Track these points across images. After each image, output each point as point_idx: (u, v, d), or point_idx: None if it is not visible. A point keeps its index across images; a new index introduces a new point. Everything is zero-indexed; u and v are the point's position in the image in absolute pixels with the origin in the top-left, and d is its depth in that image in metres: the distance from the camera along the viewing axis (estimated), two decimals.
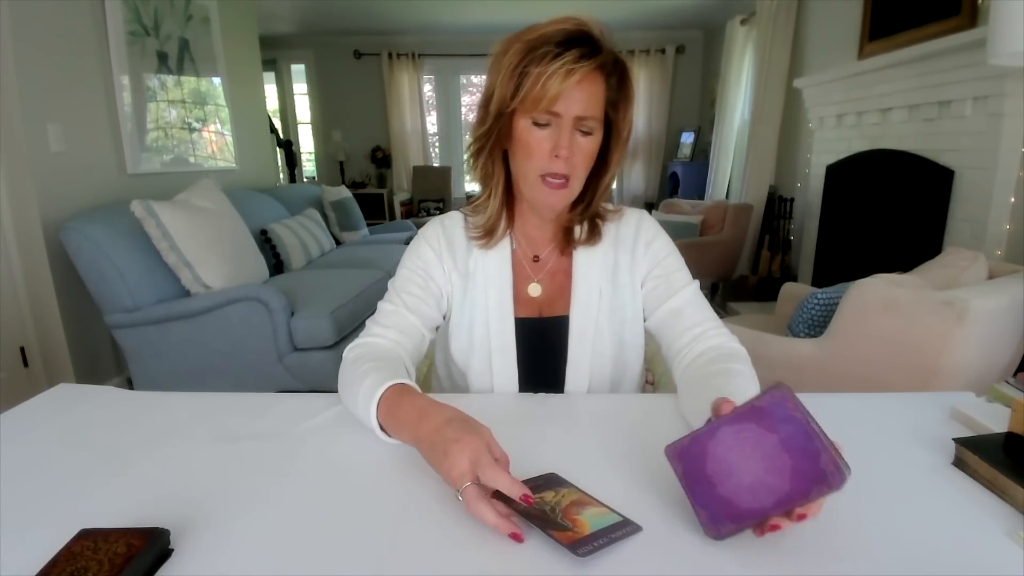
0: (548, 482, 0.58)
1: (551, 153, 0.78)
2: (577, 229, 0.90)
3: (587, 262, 0.89)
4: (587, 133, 0.79)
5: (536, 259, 0.92)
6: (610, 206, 0.92)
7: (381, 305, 0.89)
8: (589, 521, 0.51)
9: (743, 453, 0.50)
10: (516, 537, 0.50)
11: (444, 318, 0.93)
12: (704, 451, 0.51)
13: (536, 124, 0.78)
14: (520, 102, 0.76)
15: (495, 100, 0.79)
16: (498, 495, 0.53)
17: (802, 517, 0.47)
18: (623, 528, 0.51)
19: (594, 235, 0.90)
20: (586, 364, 0.88)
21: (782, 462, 0.48)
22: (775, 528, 0.48)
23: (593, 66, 0.75)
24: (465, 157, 0.89)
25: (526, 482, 0.55)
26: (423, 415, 0.62)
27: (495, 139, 0.82)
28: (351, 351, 0.82)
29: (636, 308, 0.91)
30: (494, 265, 0.89)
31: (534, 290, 0.90)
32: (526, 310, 0.90)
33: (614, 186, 0.97)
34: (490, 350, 0.88)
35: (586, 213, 0.89)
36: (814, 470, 0.46)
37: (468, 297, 0.89)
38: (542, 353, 0.89)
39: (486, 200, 0.89)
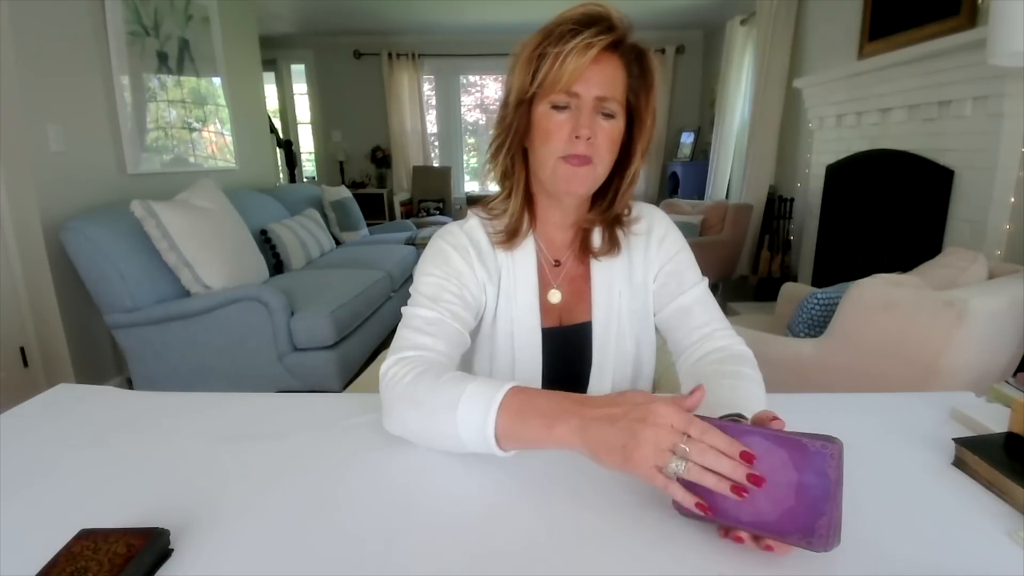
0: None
1: (571, 134, 0.75)
2: (596, 237, 0.87)
3: (606, 265, 0.87)
4: (609, 116, 0.76)
5: (557, 263, 0.89)
6: (629, 211, 0.88)
7: (417, 311, 0.77)
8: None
9: (757, 468, 0.49)
10: (740, 490, 0.47)
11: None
12: None
13: (555, 108, 0.75)
14: (539, 86, 0.74)
15: (514, 91, 0.77)
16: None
17: (768, 548, 0.48)
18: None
19: (613, 245, 0.87)
20: (609, 369, 0.87)
21: (784, 498, 0.47)
22: (738, 540, 0.49)
23: (611, 40, 0.73)
24: (486, 158, 0.85)
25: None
26: (585, 399, 0.55)
27: (515, 134, 0.79)
28: (401, 365, 0.69)
29: (649, 305, 0.90)
30: (521, 272, 0.85)
31: (554, 296, 0.87)
32: (547, 319, 0.87)
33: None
34: (513, 362, 0.85)
35: (608, 213, 0.86)
36: (807, 524, 0.46)
37: (497, 308, 0.86)
38: (565, 361, 0.87)
39: (505, 199, 0.85)
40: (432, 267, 0.82)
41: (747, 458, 0.47)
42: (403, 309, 0.80)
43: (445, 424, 0.60)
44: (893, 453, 0.67)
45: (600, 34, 0.72)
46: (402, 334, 0.76)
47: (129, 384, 2.40)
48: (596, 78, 0.74)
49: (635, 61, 0.78)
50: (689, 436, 0.49)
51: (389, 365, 0.71)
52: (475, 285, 0.83)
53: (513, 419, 0.57)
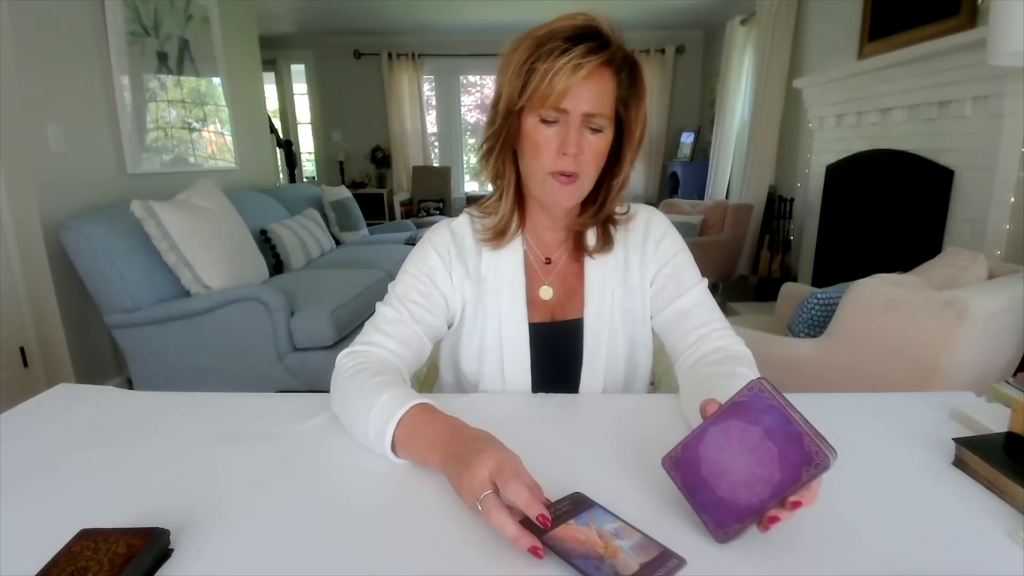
0: (576, 505, 0.54)
1: (559, 151, 0.76)
2: (590, 235, 0.88)
3: (599, 263, 0.88)
4: (596, 131, 0.77)
5: (548, 261, 0.90)
6: (621, 209, 0.90)
7: (382, 309, 0.84)
8: (627, 555, 0.48)
9: (732, 450, 0.50)
10: (535, 552, 0.47)
11: (450, 327, 0.90)
12: (696, 456, 0.52)
13: (544, 121, 0.76)
14: (528, 99, 0.75)
15: (504, 99, 0.78)
16: (526, 522, 0.50)
17: (796, 505, 0.48)
18: (666, 563, 0.47)
19: (607, 242, 0.88)
20: (601, 367, 0.87)
21: (769, 452, 0.48)
22: (774, 520, 0.48)
23: (601, 61, 0.73)
24: (476, 158, 0.87)
25: (550, 507, 0.52)
26: (456, 433, 0.59)
27: (505, 138, 0.80)
28: (349, 358, 0.78)
29: (645, 307, 0.90)
30: (507, 268, 0.87)
31: (545, 293, 0.88)
32: (538, 314, 0.88)
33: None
34: (502, 357, 0.86)
35: (598, 216, 0.87)
36: (799, 453, 0.47)
37: (481, 303, 0.87)
38: (556, 358, 0.88)
39: (497, 201, 0.87)
40: (411, 265, 0.88)
41: (543, 522, 0.49)
42: (377, 303, 0.86)
43: (361, 423, 0.67)
44: (893, 453, 0.67)
45: (590, 52, 0.72)
46: (365, 327, 0.84)
47: (129, 384, 2.40)
48: (585, 94, 0.74)
49: (626, 71, 0.78)
50: (495, 488, 0.51)
51: (343, 355, 0.80)
52: (447, 283, 0.87)
53: (405, 437, 0.63)
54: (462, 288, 0.87)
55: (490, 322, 0.86)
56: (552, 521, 0.50)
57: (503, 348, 0.86)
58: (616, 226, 0.89)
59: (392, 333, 0.82)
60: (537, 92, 0.74)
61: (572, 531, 0.50)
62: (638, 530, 0.51)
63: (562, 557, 0.47)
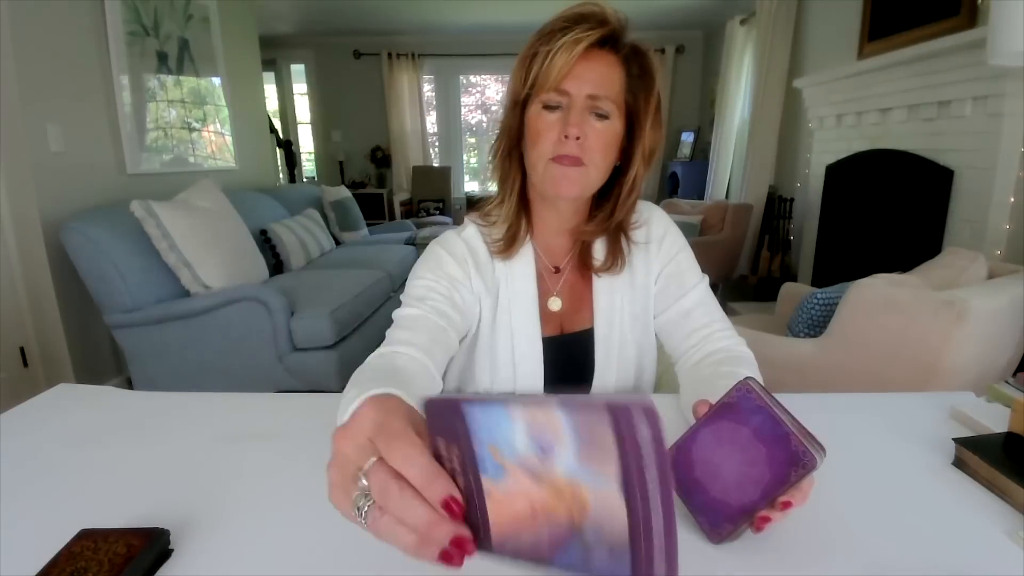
0: (454, 440, 0.31)
1: (560, 134, 0.72)
2: (598, 250, 0.85)
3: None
4: (603, 117, 0.73)
5: (556, 270, 0.87)
6: (634, 219, 0.85)
7: (402, 312, 0.77)
8: (592, 489, 0.28)
9: (723, 451, 0.50)
10: (449, 559, 0.31)
11: (460, 342, 0.86)
12: (690, 457, 0.52)
13: (547, 108, 0.73)
14: (531, 87, 0.73)
15: (509, 93, 0.76)
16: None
17: (787, 505, 0.47)
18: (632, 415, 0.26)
19: (616, 259, 0.83)
20: (612, 377, 0.85)
21: (757, 452, 0.49)
22: (766, 520, 0.48)
23: (601, 34, 0.71)
24: (488, 158, 0.83)
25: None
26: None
27: (510, 137, 0.78)
28: (374, 357, 0.69)
29: (649, 310, 0.88)
30: (519, 280, 0.83)
31: (554, 304, 0.85)
32: (548, 327, 0.85)
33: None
34: (515, 375, 0.83)
35: (608, 223, 0.82)
36: (786, 453, 0.47)
37: (495, 319, 0.84)
38: (566, 370, 0.86)
39: (500, 204, 0.83)
40: (424, 271, 0.81)
41: (449, 508, 0.31)
42: (393, 313, 0.80)
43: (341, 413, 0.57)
44: (893, 453, 0.67)
45: (590, 29, 0.70)
46: (386, 334, 0.76)
47: (129, 384, 2.40)
48: (587, 75, 0.71)
49: (634, 60, 0.75)
50: (378, 456, 0.33)
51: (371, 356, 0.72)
52: (469, 293, 0.82)
53: None
54: (481, 302, 0.83)
55: (501, 337, 0.83)
56: (464, 500, 0.31)
57: (516, 367, 0.83)
58: (630, 240, 0.85)
59: (415, 327, 0.74)
60: (539, 76, 0.71)
61: (501, 504, 0.30)
62: (556, 405, 0.27)
63: (525, 560, 0.30)
